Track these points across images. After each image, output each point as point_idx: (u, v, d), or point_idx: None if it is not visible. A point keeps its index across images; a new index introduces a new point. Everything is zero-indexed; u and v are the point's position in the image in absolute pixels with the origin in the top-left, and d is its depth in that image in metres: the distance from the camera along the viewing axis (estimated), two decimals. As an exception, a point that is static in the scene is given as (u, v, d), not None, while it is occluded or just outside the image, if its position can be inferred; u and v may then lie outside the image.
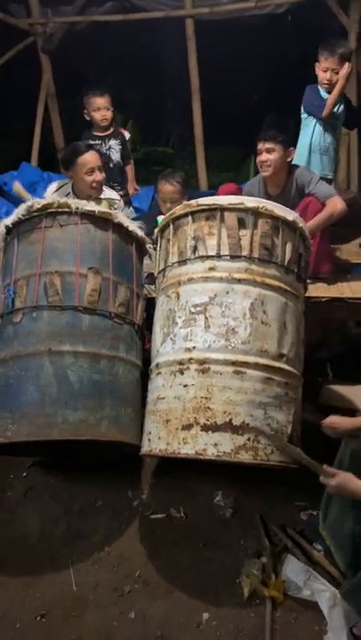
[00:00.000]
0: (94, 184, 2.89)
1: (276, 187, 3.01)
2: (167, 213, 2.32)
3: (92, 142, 3.60)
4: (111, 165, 3.64)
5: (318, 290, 2.92)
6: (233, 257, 2.09)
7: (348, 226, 3.30)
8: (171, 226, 2.27)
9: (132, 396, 2.25)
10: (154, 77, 6.55)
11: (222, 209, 2.12)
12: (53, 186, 3.06)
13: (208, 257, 2.11)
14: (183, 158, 6.57)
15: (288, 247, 2.16)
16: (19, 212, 2.36)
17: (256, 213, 2.11)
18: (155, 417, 2.05)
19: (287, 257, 2.15)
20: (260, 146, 2.89)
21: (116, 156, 3.66)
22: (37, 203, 2.33)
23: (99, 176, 2.89)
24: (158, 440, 1.99)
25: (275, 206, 2.15)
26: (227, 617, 1.83)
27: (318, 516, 2.05)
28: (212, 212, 2.14)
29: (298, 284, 2.23)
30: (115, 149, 3.65)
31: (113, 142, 3.64)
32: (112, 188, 3.60)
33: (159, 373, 2.11)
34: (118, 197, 3.15)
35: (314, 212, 2.87)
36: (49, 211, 2.32)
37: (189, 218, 2.18)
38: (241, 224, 2.12)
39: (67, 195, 3.04)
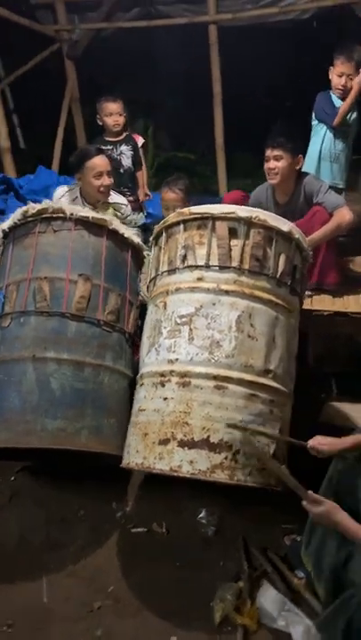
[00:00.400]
0: (102, 188, 2.87)
1: (284, 194, 2.93)
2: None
3: (103, 147, 3.61)
4: (122, 171, 3.63)
5: (323, 302, 2.82)
6: (222, 267, 2.02)
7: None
8: (164, 234, 2.23)
9: (116, 406, 2.20)
10: (183, 83, 6.54)
11: (214, 218, 2.06)
12: (61, 190, 3.06)
13: (197, 267, 2.05)
14: (205, 164, 6.52)
15: (282, 259, 2.08)
16: (15, 216, 2.37)
17: (249, 223, 2.04)
18: (134, 429, 2.00)
19: (280, 269, 2.07)
20: (268, 153, 2.82)
21: (127, 161, 3.65)
22: (32, 208, 2.33)
23: (107, 180, 2.87)
24: (136, 453, 1.94)
25: (268, 216, 2.08)
26: (196, 642, 1.76)
27: (302, 542, 1.95)
28: (203, 221, 2.08)
29: (292, 298, 2.14)
30: (126, 155, 3.63)
31: (124, 147, 3.63)
32: (122, 193, 3.59)
33: (142, 384, 2.07)
34: (125, 202, 3.12)
35: (321, 221, 2.77)
36: (44, 216, 2.32)
37: (181, 226, 2.13)
38: (233, 234, 2.05)
39: (74, 199, 3.05)
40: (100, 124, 3.61)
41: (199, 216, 2.09)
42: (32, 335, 2.14)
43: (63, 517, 2.28)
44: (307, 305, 2.77)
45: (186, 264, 2.08)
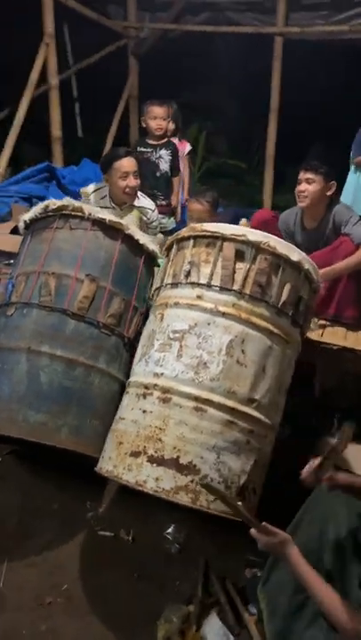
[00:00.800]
0: (127, 189, 2.91)
1: (312, 220, 2.88)
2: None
3: (142, 149, 3.66)
4: (158, 174, 3.66)
5: (335, 336, 2.74)
6: (223, 289, 2.00)
7: None
8: (175, 246, 2.23)
9: (103, 409, 2.22)
10: (243, 91, 6.51)
11: (224, 238, 2.04)
12: (90, 187, 3.11)
13: (198, 284, 2.04)
14: (255, 175, 6.47)
15: (286, 288, 2.04)
16: (36, 209, 2.44)
17: (257, 248, 2.02)
18: (112, 436, 2.02)
19: (283, 298, 2.03)
20: (301, 175, 2.77)
21: (164, 165, 3.66)
22: (53, 203, 2.38)
23: (133, 182, 2.90)
24: (108, 460, 1.95)
25: (279, 243, 2.05)
26: (133, 657, 1.76)
27: (261, 577, 1.92)
28: (213, 240, 2.07)
29: (292, 329, 2.09)
30: (164, 159, 3.65)
31: (164, 152, 3.65)
32: (155, 196, 3.62)
33: (128, 392, 2.08)
34: (152, 207, 3.14)
35: (345, 253, 2.70)
36: (63, 212, 2.36)
37: (191, 241, 2.12)
38: (240, 256, 2.03)
39: (103, 197, 3.10)
40: (144, 125, 3.64)
41: (209, 234, 2.08)
42: (32, 327, 2.19)
43: (38, 507, 2.33)
44: (317, 336, 2.70)
45: (188, 280, 2.07)
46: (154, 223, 3.15)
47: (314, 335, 2.69)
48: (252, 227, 3.07)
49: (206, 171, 6.28)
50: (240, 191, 6.53)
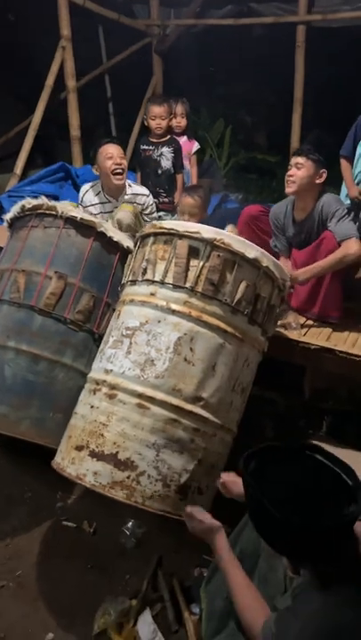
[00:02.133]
0: (114, 167, 2.92)
1: (302, 211, 2.76)
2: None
3: (144, 147, 3.68)
4: (160, 172, 3.67)
5: (317, 336, 2.63)
6: (175, 286, 1.99)
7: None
8: (138, 244, 2.24)
9: (66, 403, 2.26)
10: (271, 84, 6.35)
11: (179, 235, 2.03)
12: (86, 186, 3.17)
13: (153, 282, 2.04)
14: (285, 168, 6.29)
15: (242, 286, 2.00)
16: (15, 209, 2.53)
17: (212, 245, 1.98)
18: (67, 429, 2.06)
19: (238, 296, 1.99)
20: (292, 160, 2.68)
21: (166, 163, 3.66)
22: (28, 203, 2.47)
23: (118, 159, 2.92)
24: (59, 452, 2.01)
25: (234, 240, 2.00)
26: (68, 645, 1.81)
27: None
28: (170, 237, 2.06)
29: (250, 328, 2.04)
30: (166, 156, 3.65)
31: (165, 149, 3.65)
32: (158, 194, 3.64)
33: (84, 388, 2.12)
34: (146, 192, 3.14)
35: (327, 250, 2.58)
36: (39, 211, 2.44)
37: (151, 239, 2.13)
38: (194, 254, 2.01)
39: (98, 193, 3.15)
40: (146, 124, 3.66)
41: (166, 231, 2.07)
42: (1, 323, 2.29)
43: (10, 494, 2.43)
44: (297, 336, 2.61)
45: (144, 277, 2.07)
46: (149, 208, 3.16)
47: (295, 335, 2.61)
48: (241, 222, 3.01)
49: (234, 166, 6.18)
50: (270, 186, 6.38)
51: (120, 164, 2.92)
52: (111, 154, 2.90)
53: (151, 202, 3.17)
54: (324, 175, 2.65)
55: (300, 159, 2.60)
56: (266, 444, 1.39)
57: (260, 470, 1.30)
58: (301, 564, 1.36)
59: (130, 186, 3.09)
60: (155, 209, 3.24)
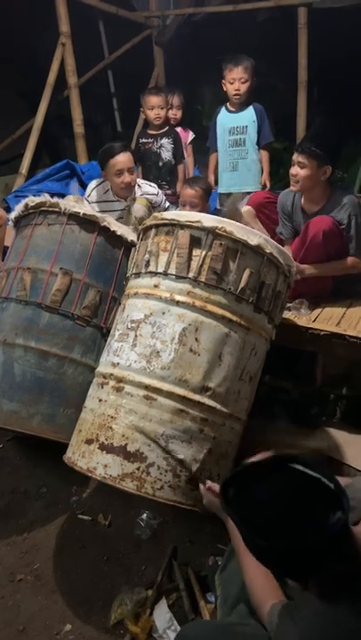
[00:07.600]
0: (122, 185, 2.94)
1: (313, 204, 2.73)
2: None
3: (144, 140, 3.67)
4: (160, 164, 3.65)
5: (327, 322, 2.59)
6: (178, 277, 1.98)
7: None
8: (141, 236, 2.24)
9: (77, 398, 2.27)
10: (280, 69, 6.25)
11: (180, 225, 2.02)
12: (93, 183, 3.17)
13: (156, 273, 2.04)
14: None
15: (246, 273, 1.98)
16: (18, 207, 2.55)
17: (214, 234, 1.97)
18: (77, 424, 2.08)
19: (242, 284, 1.97)
20: (294, 157, 2.64)
21: (166, 154, 3.64)
22: (32, 201, 2.48)
23: (127, 178, 2.92)
24: (70, 447, 2.03)
25: (236, 227, 1.98)
26: (85, 636, 1.83)
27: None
28: (171, 228, 2.05)
29: (255, 316, 2.02)
30: (166, 148, 3.63)
31: (165, 141, 3.63)
32: (160, 186, 3.61)
33: (93, 382, 2.13)
34: (155, 191, 3.13)
35: (314, 232, 2.56)
36: (42, 209, 2.45)
37: (153, 231, 2.12)
38: (197, 243, 2.00)
39: (106, 191, 3.15)
40: (144, 117, 3.64)
41: (168, 222, 2.06)
42: (9, 321, 2.31)
43: (27, 490, 2.46)
44: (306, 322, 2.58)
45: (148, 269, 2.07)
46: (161, 205, 3.15)
47: (303, 321, 2.58)
48: (247, 211, 2.98)
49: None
50: (278, 172, 6.30)
51: (129, 182, 2.93)
52: (120, 170, 2.88)
53: (160, 200, 3.16)
54: (329, 171, 2.59)
55: (301, 158, 2.56)
56: (241, 466, 1.33)
57: (240, 495, 1.24)
58: (303, 579, 1.33)
59: (139, 186, 3.08)
60: (166, 204, 3.23)
